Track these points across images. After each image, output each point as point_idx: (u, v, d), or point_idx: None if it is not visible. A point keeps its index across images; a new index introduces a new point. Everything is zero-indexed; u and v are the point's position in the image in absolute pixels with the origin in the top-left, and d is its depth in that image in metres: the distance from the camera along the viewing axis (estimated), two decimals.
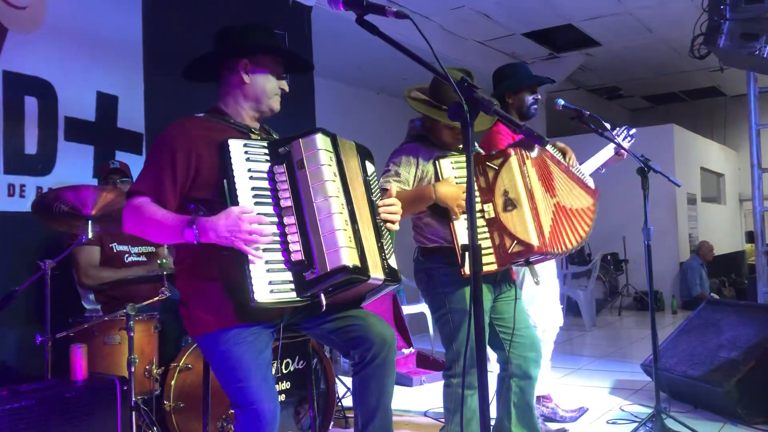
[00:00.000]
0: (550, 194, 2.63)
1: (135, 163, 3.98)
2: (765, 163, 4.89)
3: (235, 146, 1.99)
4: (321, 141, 2.03)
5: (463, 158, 2.59)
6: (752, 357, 3.69)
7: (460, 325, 2.65)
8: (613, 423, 3.76)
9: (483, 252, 2.44)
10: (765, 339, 3.60)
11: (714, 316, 4.37)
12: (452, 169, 2.57)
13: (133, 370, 2.82)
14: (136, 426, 2.83)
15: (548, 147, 2.73)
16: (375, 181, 2.25)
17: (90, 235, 2.89)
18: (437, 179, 2.58)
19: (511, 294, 2.78)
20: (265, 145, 2.05)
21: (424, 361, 5.31)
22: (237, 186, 1.94)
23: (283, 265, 1.92)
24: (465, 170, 2.47)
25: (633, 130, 3.71)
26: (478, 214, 2.50)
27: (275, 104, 2.21)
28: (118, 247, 3.52)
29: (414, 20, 1.60)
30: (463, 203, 2.47)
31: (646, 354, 4.31)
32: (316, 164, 1.99)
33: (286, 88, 2.23)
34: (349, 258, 1.90)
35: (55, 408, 2.36)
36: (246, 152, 2.00)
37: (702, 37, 4.28)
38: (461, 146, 2.76)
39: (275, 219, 1.96)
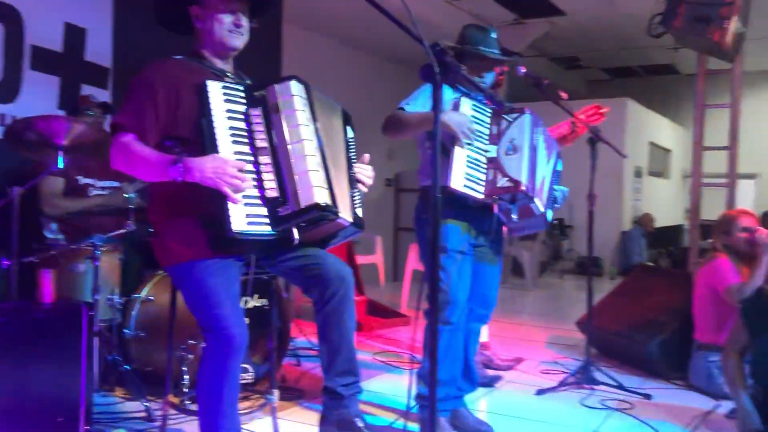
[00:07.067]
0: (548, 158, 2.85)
1: (101, 98, 4.00)
2: (709, 141, 5.15)
3: (214, 87, 2.09)
4: (295, 87, 2.17)
5: (485, 106, 2.76)
6: (676, 320, 4.01)
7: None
8: (545, 373, 4.06)
9: (476, 182, 2.64)
10: (689, 304, 3.91)
11: (646, 281, 4.69)
12: (471, 110, 2.70)
13: (98, 297, 2.93)
14: (98, 351, 2.96)
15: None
16: (353, 144, 2.44)
17: (60, 166, 2.95)
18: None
19: (484, 251, 2.93)
20: (242, 88, 2.16)
21: (375, 309, 5.54)
22: (215, 125, 2.05)
23: (258, 201, 2.06)
24: (483, 115, 2.71)
25: (603, 109, 3.87)
26: (482, 152, 2.69)
27: (229, 41, 2.25)
28: (83, 180, 3.57)
29: None
30: (468, 131, 2.61)
31: (582, 314, 4.60)
32: (290, 109, 2.12)
33: (241, 22, 2.25)
34: (321, 197, 2.06)
35: (26, 327, 2.45)
36: (224, 93, 2.11)
37: (659, 16, 4.48)
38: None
39: (251, 158, 2.09)
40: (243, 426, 2.32)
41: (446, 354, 2.78)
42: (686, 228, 10.94)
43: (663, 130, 12.09)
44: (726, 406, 3.36)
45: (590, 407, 3.42)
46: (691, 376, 3.78)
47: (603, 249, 9.60)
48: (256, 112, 2.13)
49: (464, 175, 2.61)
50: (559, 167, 3.04)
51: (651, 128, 11.44)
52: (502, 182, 2.65)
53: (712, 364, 3.61)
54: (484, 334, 4.04)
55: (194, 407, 2.93)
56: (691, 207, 5.12)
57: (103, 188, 3.64)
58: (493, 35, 2.94)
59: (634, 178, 10.61)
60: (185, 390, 3.05)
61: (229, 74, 2.31)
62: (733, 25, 4.15)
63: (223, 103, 2.09)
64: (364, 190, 2.44)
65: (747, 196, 10.73)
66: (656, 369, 3.97)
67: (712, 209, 4.83)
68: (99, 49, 4.28)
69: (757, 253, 3.38)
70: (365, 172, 2.43)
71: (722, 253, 3.67)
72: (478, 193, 2.65)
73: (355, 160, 2.43)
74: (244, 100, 2.14)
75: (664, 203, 12.03)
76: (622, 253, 9.91)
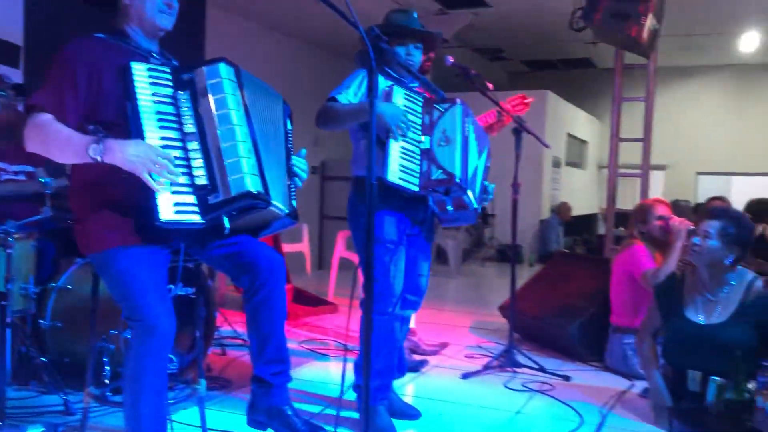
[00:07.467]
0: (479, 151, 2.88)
1: (13, 78, 3.79)
2: (624, 133, 5.37)
3: (139, 69, 2.00)
4: (225, 70, 2.09)
5: (417, 96, 2.74)
6: (593, 305, 4.18)
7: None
8: (470, 357, 4.15)
9: (410, 174, 2.64)
10: (606, 289, 4.07)
11: (565, 267, 4.86)
12: (403, 99, 2.69)
13: (11, 287, 2.78)
14: (10, 343, 2.82)
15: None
16: (291, 136, 2.41)
17: None
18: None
19: (416, 240, 2.94)
20: (168, 70, 2.08)
21: (301, 297, 5.51)
22: (141, 109, 1.96)
23: (186, 189, 1.98)
24: (415, 105, 2.71)
25: (528, 100, 3.95)
26: (415, 143, 2.68)
27: (160, 21, 2.17)
28: None
29: None
30: (402, 124, 2.60)
31: (504, 300, 4.72)
32: (220, 93, 2.05)
33: (173, 3, 2.18)
34: (252, 184, 2.00)
35: None
36: (150, 76, 2.02)
37: (581, 11, 4.63)
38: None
39: (179, 144, 2.01)
40: (169, 416, 2.26)
41: (384, 343, 2.78)
42: (600, 217, 11.42)
43: (580, 122, 12.51)
44: (640, 385, 3.53)
45: (513, 389, 3.52)
46: (607, 358, 3.95)
47: (522, 237, 9.87)
48: (184, 96, 2.04)
49: (399, 167, 2.60)
50: (488, 163, 3.09)
51: (569, 120, 11.82)
52: (437, 174, 2.66)
53: (627, 345, 3.78)
54: (411, 320, 4.08)
55: (116, 399, 2.84)
56: (608, 196, 5.33)
57: (15, 173, 3.46)
58: (415, 15, 2.97)
59: (552, 168, 10.94)
60: (106, 381, 2.95)
61: (155, 55, 2.21)
62: (650, 21, 4.34)
63: (148, 86, 2.00)
64: (299, 184, 2.41)
65: (657, 186, 11.25)
66: (575, 351, 4.12)
67: (623, 199, 5.05)
68: (9, 26, 4.05)
69: (670, 240, 3.57)
70: (301, 166, 2.40)
71: (638, 240, 3.84)
72: (412, 185, 2.65)
73: (292, 152, 2.39)
74: (170, 83, 2.05)
75: (580, 193, 12.47)
76: (541, 241, 10.23)
